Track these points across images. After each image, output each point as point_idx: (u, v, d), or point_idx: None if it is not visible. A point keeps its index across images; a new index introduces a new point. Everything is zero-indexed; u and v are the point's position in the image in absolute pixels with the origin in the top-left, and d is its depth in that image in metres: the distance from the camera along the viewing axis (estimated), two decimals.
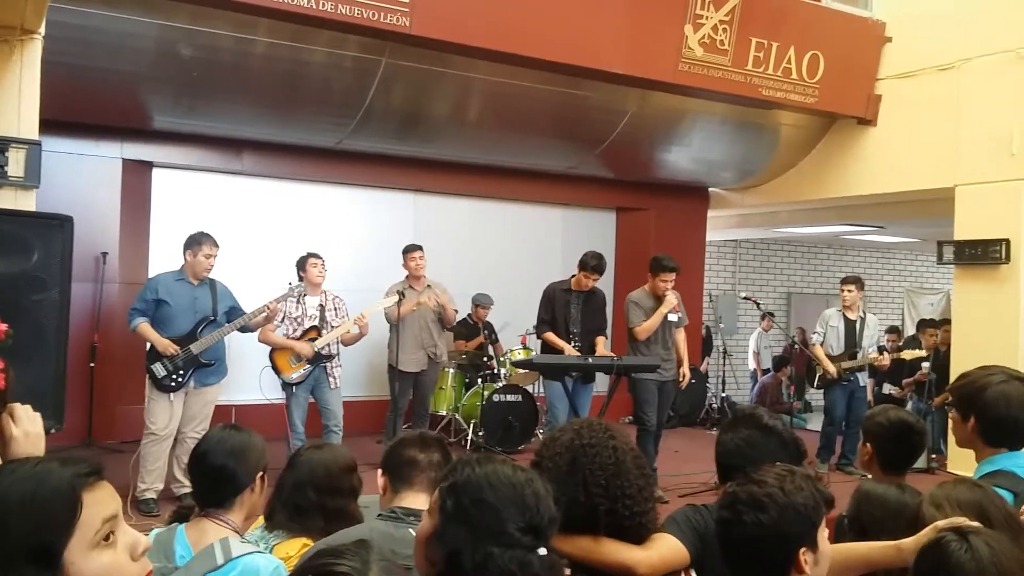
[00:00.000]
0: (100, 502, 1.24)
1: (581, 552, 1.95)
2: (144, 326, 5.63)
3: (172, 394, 5.60)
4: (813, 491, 1.83)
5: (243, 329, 5.89)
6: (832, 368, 7.65)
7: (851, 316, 7.88)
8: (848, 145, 9.01)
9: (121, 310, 6.97)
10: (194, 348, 5.61)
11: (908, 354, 8.49)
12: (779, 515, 1.77)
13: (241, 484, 2.32)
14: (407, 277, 7.25)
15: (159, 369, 5.56)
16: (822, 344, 7.86)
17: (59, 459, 1.28)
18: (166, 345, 5.55)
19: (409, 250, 7.30)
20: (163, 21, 6.10)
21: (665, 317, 6.59)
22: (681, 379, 6.86)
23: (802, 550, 1.79)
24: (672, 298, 6.59)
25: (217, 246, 5.84)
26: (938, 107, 8.06)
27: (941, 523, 1.89)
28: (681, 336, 6.87)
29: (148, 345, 5.65)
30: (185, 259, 5.82)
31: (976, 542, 1.71)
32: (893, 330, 11.56)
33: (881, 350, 8.17)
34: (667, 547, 2.04)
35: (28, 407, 1.75)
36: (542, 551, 1.53)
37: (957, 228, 7.88)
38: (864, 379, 7.97)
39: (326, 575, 1.14)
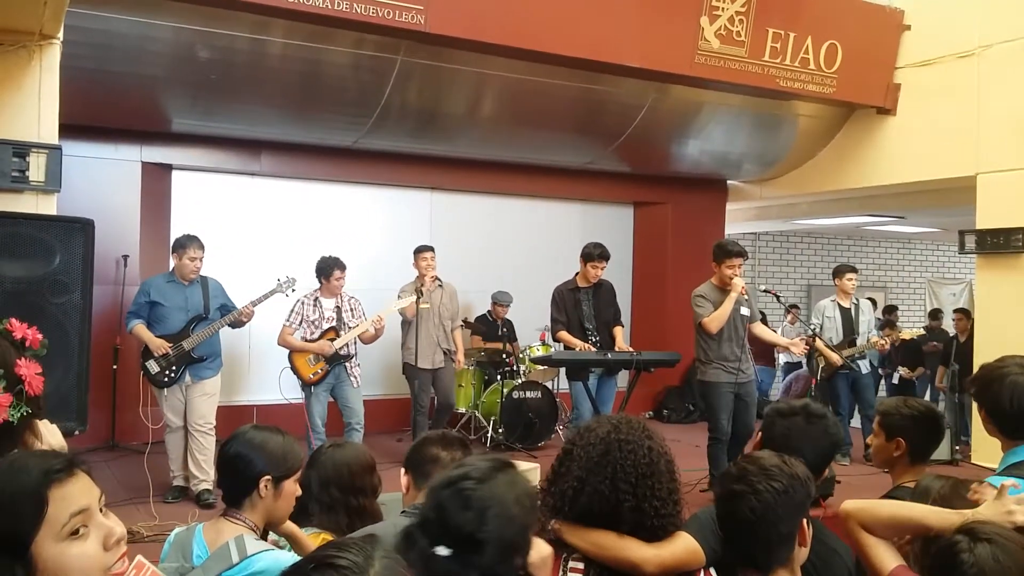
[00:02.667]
0: (69, 497, 1.31)
1: (591, 546, 1.97)
2: (139, 327, 5.85)
3: (167, 389, 5.85)
4: (804, 468, 1.95)
5: (233, 325, 6.04)
6: (836, 357, 7.60)
7: (845, 304, 7.88)
8: (867, 135, 8.93)
9: None
10: (186, 344, 5.81)
11: (907, 333, 8.73)
12: (788, 483, 1.87)
13: (254, 477, 2.30)
14: (418, 277, 7.25)
15: (152, 366, 5.80)
16: (819, 335, 7.84)
17: (37, 455, 1.37)
18: (158, 344, 5.77)
19: (420, 251, 7.31)
20: (180, 24, 6.12)
21: (736, 310, 6.20)
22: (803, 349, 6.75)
23: (804, 520, 1.89)
24: (741, 282, 6.20)
25: (203, 248, 5.99)
26: (958, 95, 7.97)
27: (1011, 500, 1.90)
28: (761, 328, 6.61)
29: (143, 344, 5.83)
30: (173, 262, 6.01)
31: (980, 550, 1.68)
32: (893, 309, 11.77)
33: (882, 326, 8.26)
34: (681, 547, 2.01)
35: (46, 421, 1.82)
36: (440, 550, 1.56)
37: (979, 217, 7.80)
38: (866, 366, 7.94)
39: (326, 567, 1.15)
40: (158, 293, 5.89)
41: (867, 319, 7.90)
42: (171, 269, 6.06)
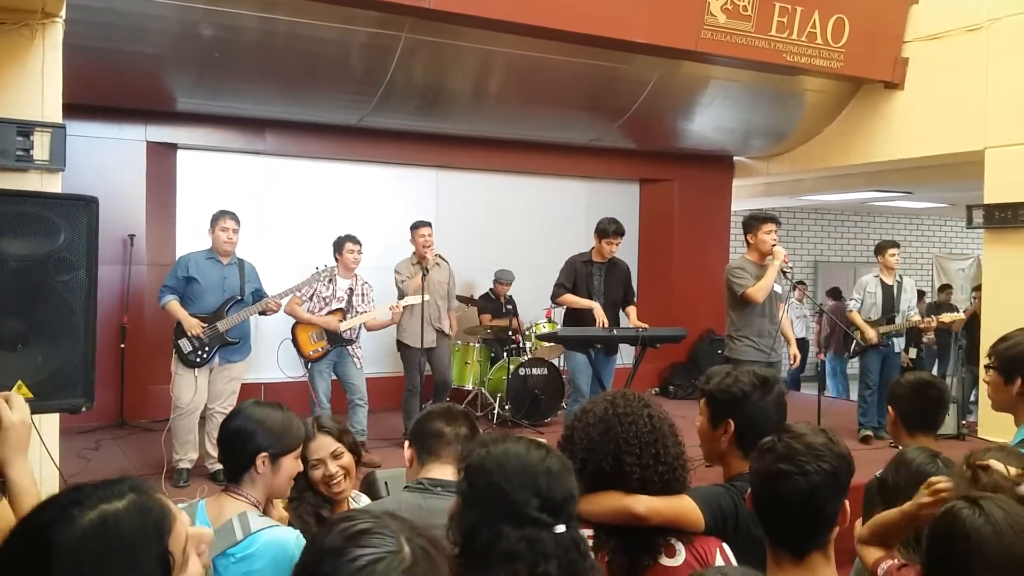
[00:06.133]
0: (176, 536, 1.21)
1: (585, 506, 1.98)
2: (173, 304, 5.76)
3: (197, 370, 5.73)
4: (845, 445, 1.89)
5: (262, 312, 5.98)
6: (873, 333, 7.52)
7: (888, 281, 7.75)
8: (875, 110, 8.87)
9: (150, 291, 7.05)
10: (220, 326, 5.73)
11: (947, 317, 8.44)
12: (837, 463, 1.81)
13: (252, 452, 2.31)
14: (414, 253, 7.15)
15: (185, 345, 5.69)
16: (859, 311, 7.75)
17: (133, 508, 1.18)
18: (192, 324, 5.67)
19: (417, 226, 7.13)
20: (183, 2, 6.10)
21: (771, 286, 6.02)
22: (792, 361, 6.50)
23: (846, 501, 1.84)
24: (783, 251, 6.04)
25: (236, 221, 5.92)
26: (966, 69, 7.91)
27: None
28: (783, 312, 6.42)
29: (176, 321, 5.76)
30: (210, 238, 5.95)
31: (989, 507, 1.68)
32: (920, 295, 11.56)
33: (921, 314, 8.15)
34: (677, 501, 2.04)
35: (13, 393, 1.82)
36: (559, 528, 1.56)
37: (987, 191, 7.75)
38: (900, 344, 7.85)
39: (360, 534, 1.16)
40: (196, 269, 5.81)
41: (908, 297, 7.78)
42: (210, 247, 5.95)
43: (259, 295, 5.99)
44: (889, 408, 2.89)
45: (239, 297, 5.88)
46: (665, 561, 2.00)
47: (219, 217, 5.89)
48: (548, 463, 1.65)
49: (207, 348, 5.72)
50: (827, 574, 1.83)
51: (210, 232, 5.91)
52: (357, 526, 1.17)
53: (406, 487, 2.33)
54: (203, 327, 5.69)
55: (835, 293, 12.59)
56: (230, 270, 5.91)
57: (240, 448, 2.32)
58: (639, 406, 2.06)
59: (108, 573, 1.11)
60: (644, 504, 1.97)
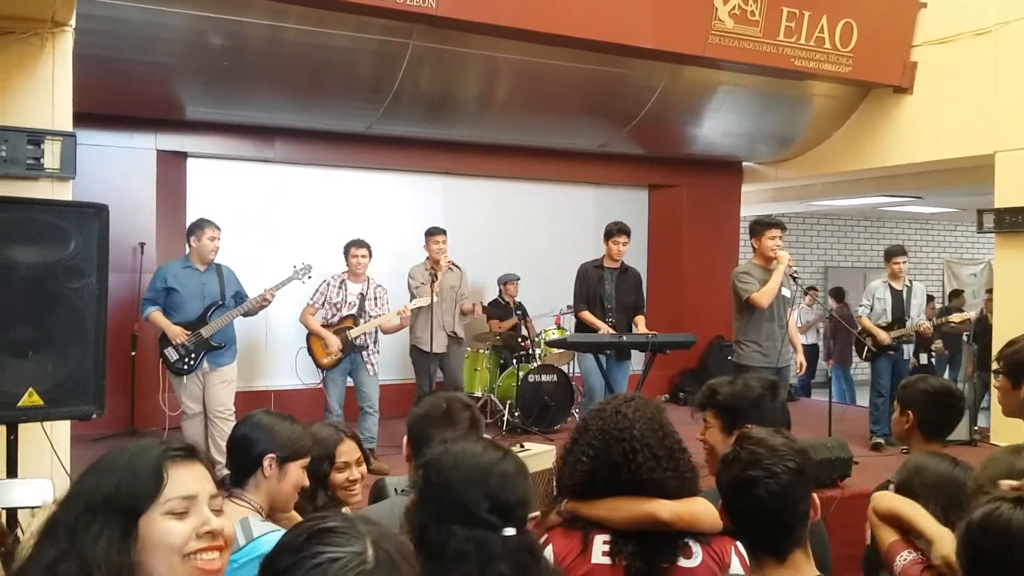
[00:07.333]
0: (183, 480, 1.40)
1: (607, 511, 2.00)
2: (156, 314, 5.86)
3: (185, 377, 5.83)
4: (801, 442, 1.94)
5: (246, 314, 6.05)
6: (885, 336, 7.49)
7: (897, 286, 7.71)
8: (884, 114, 8.84)
9: None
10: (204, 332, 5.82)
11: (957, 317, 8.36)
12: (801, 460, 1.84)
13: (255, 457, 2.33)
14: (428, 259, 7.19)
15: (171, 353, 5.80)
16: (869, 316, 7.71)
17: (159, 440, 1.46)
18: (177, 332, 5.77)
19: (431, 233, 7.21)
20: (192, 11, 6.13)
21: (779, 290, 6.03)
22: (799, 369, 6.47)
23: (814, 494, 1.87)
24: (787, 255, 6.05)
25: (219, 229, 6.02)
26: (976, 72, 7.88)
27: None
28: (792, 319, 6.37)
29: (161, 331, 5.85)
30: (190, 245, 6.04)
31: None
32: (929, 299, 11.52)
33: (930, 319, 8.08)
34: (696, 504, 2.05)
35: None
36: (508, 531, 1.56)
37: (997, 196, 7.72)
38: (910, 351, 7.81)
39: (321, 532, 1.17)
40: (175, 279, 5.89)
41: (918, 302, 7.74)
42: (186, 255, 6.07)
43: (240, 298, 6.05)
44: (909, 413, 2.81)
45: (220, 302, 5.95)
46: (683, 563, 2.01)
47: (205, 226, 5.97)
48: (503, 465, 1.65)
49: (193, 355, 5.81)
50: (808, 571, 1.84)
51: (194, 240, 5.99)
52: (320, 525, 1.19)
53: (401, 491, 2.33)
54: (187, 335, 5.76)
55: (838, 294, 12.44)
56: (208, 276, 5.98)
57: (247, 451, 2.34)
58: (654, 408, 2.11)
59: None
60: (669, 510, 1.98)
